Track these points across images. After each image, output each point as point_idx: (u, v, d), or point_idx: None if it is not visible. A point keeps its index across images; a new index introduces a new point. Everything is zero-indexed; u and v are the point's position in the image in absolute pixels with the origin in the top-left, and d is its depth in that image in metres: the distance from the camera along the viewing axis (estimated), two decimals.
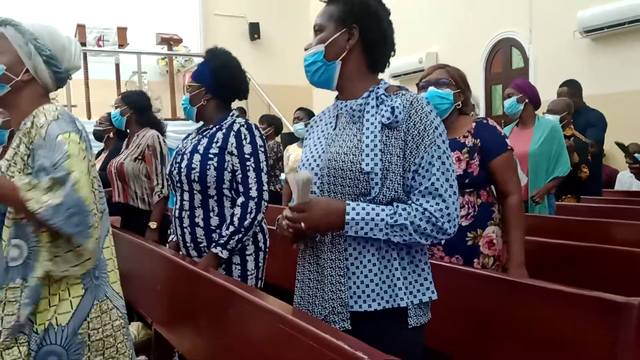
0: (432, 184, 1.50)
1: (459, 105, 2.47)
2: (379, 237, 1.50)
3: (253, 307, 1.82)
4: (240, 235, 2.39)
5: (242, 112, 6.41)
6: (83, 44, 7.88)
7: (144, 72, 8.20)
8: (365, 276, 1.54)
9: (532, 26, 7.22)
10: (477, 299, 2.09)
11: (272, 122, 5.81)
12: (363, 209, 1.50)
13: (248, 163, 2.42)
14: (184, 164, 2.46)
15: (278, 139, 5.87)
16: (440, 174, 1.51)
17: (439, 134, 1.53)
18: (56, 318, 1.63)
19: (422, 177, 1.51)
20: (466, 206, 2.37)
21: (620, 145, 2.95)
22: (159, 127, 3.69)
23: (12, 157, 1.66)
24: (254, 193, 2.41)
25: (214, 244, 2.41)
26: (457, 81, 2.47)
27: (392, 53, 1.67)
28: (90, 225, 1.59)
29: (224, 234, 2.40)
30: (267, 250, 2.56)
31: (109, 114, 4.27)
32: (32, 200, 1.52)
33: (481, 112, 3.03)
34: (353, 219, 1.49)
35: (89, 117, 7.49)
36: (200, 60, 8.72)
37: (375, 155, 1.52)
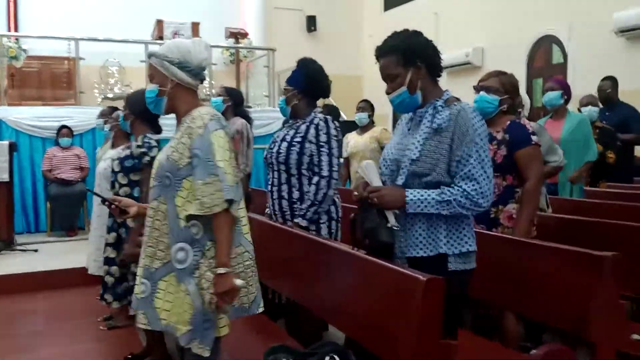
0: (469, 170, 2.00)
1: (504, 108, 2.95)
2: (432, 211, 2.01)
3: (340, 254, 2.47)
4: (315, 207, 2.97)
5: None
6: (160, 38, 8.60)
7: (214, 64, 8.92)
8: (416, 231, 2.09)
9: (571, 24, 7.51)
10: (497, 255, 2.62)
11: (329, 112, 6.45)
12: (418, 192, 2.02)
13: (322, 149, 3.00)
14: (274, 150, 3.11)
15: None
16: (477, 163, 2.00)
17: (478, 134, 2.01)
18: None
19: (463, 165, 2.01)
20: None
21: None
22: (249, 118, 4.48)
23: (176, 145, 2.11)
24: (325, 172, 2.98)
25: (296, 214, 3.02)
26: (508, 89, 2.96)
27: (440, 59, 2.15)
28: (231, 190, 2.01)
29: (302, 207, 2.99)
30: (340, 219, 3.12)
31: None
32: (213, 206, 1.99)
33: (525, 106, 3.49)
34: (411, 199, 2.02)
35: None
36: (257, 51, 9.27)
37: (421, 150, 2.05)
